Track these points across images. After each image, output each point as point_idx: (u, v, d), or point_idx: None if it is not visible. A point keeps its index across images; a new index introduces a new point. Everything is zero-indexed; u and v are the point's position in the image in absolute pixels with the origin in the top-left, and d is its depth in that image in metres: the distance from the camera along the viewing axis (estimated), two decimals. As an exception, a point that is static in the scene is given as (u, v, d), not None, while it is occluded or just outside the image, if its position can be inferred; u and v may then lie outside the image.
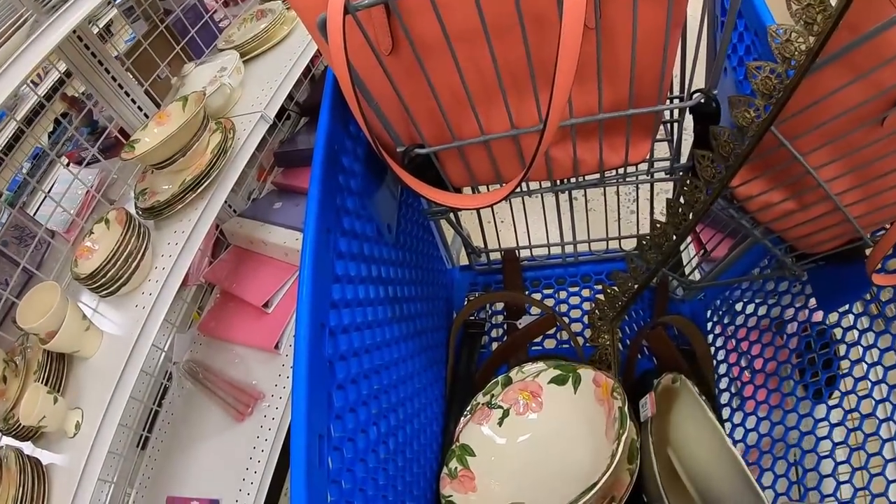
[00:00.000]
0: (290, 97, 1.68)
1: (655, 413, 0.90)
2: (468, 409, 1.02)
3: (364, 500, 0.70)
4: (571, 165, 0.84)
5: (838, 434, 0.82)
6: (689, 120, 0.84)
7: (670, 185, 1.03)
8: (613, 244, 1.26)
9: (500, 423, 0.99)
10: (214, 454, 1.72)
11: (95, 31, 1.70)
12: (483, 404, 1.00)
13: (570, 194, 1.02)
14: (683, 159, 0.92)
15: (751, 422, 0.98)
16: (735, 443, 0.96)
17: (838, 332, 0.89)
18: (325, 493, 0.62)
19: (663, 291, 1.21)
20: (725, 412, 1.04)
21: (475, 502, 0.93)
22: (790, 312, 0.99)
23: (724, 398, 1.06)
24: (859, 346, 0.85)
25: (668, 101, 0.82)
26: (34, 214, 1.93)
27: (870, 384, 0.81)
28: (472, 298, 1.29)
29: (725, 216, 0.90)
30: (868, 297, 0.86)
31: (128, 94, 1.73)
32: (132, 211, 1.42)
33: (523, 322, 1.19)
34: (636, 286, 1.03)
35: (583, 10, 0.52)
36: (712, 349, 1.14)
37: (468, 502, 0.92)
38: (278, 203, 2.01)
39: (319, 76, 2.41)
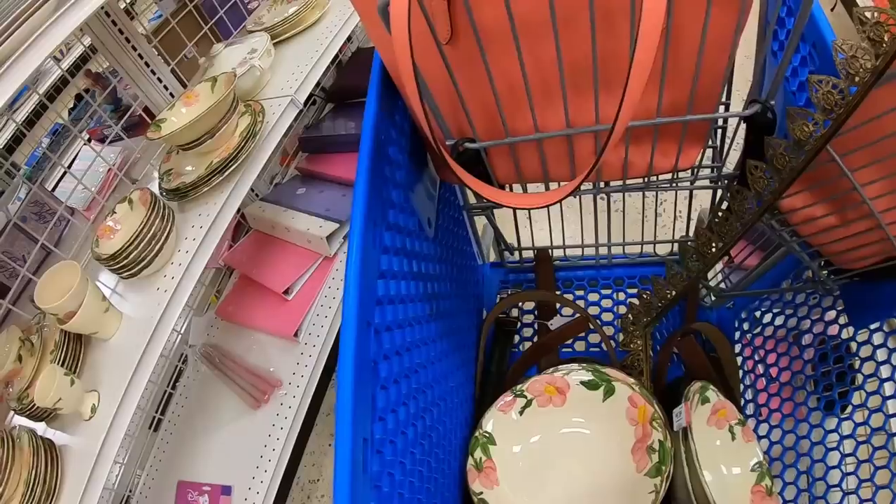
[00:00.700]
0: (315, 83, 1.66)
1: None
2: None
3: (402, 501, 0.69)
4: (621, 168, 0.83)
5: (848, 446, 0.84)
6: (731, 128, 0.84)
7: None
8: (648, 248, 1.25)
9: (521, 413, 0.99)
10: (228, 440, 1.72)
11: (122, 6, 1.68)
12: (509, 393, 1.00)
13: (608, 196, 1.01)
14: (727, 166, 0.92)
15: (763, 429, 1.00)
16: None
17: (854, 347, 0.90)
18: (368, 500, 0.60)
19: (694, 298, 1.19)
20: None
21: (501, 494, 0.94)
22: (808, 324, 0.99)
23: (748, 409, 1.07)
24: (873, 361, 0.86)
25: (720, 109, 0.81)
26: (52, 191, 1.92)
27: (881, 399, 0.82)
28: (503, 296, 1.28)
29: (765, 226, 0.89)
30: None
31: (154, 73, 1.71)
32: (155, 191, 1.41)
33: (555, 322, 1.18)
34: (674, 293, 1.02)
35: (662, 13, 0.51)
36: (739, 359, 1.14)
37: (497, 498, 0.94)
38: (302, 189, 2.00)
39: (346, 62, 2.40)
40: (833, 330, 0.95)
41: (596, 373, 0.97)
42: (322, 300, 1.81)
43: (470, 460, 0.96)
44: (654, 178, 0.89)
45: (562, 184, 0.72)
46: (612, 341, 1.13)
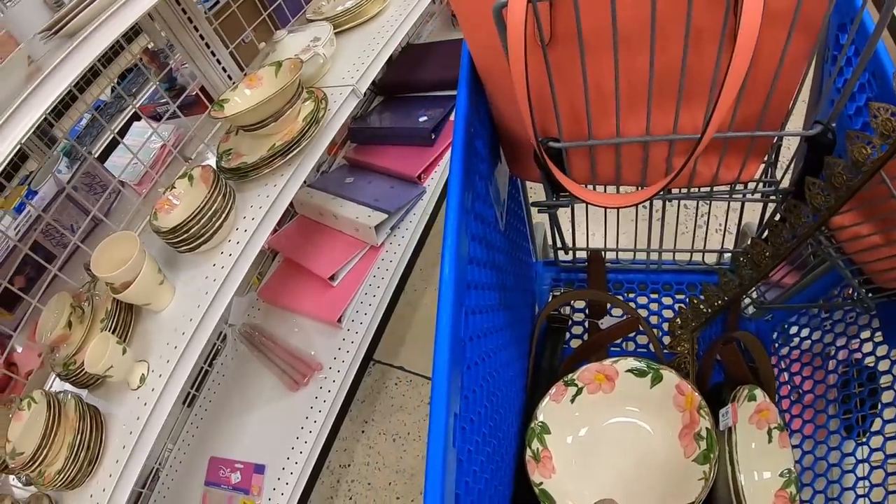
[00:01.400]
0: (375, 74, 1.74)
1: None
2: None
3: (474, 479, 0.74)
4: (689, 176, 0.89)
5: (863, 469, 0.87)
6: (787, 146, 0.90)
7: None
8: (696, 257, 1.30)
9: (572, 400, 1.06)
10: (264, 420, 1.79)
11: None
12: (561, 383, 1.06)
13: (664, 204, 1.08)
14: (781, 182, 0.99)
15: (796, 454, 1.01)
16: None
17: (881, 376, 0.92)
18: (454, 472, 0.65)
19: (736, 308, 1.25)
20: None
21: (558, 482, 1.00)
22: (837, 347, 1.02)
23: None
24: (892, 391, 0.88)
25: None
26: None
27: None
28: (556, 294, 1.35)
29: (814, 242, 0.94)
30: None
31: (213, 55, 1.79)
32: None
33: (605, 322, 1.25)
34: (724, 300, 1.09)
35: (756, 34, 0.58)
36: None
37: (554, 485, 1.00)
38: (350, 178, 2.08)
39: (397, 57, 2.48)
40: (859, 355, 0.98)
41: (643, 361, 1.04)
42: (366, 289, 1.88)
43: (528, 452, 1.02)
44: (715, 189, 0.96)
45: (628, 189, 0.79)
46: (660, 344, 1.20)
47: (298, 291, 1.94)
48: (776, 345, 1.21)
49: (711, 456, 0.96)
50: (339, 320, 1.81)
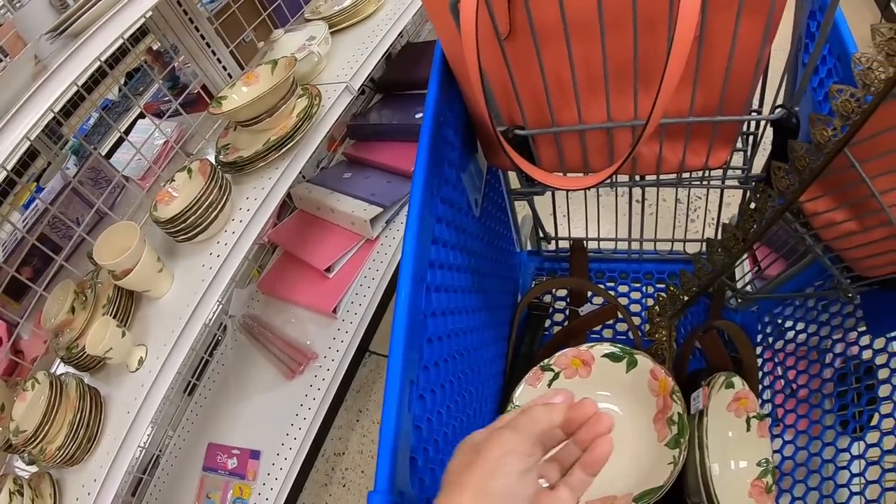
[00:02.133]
0: (369, 72, 1.77)
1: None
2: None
3: (436, 450, 0.78)
4: (655, 163, 0.92)
5: (858, 465, 0.88)
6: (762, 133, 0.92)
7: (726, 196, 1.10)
8: (677, 246, 1.34)
9: (549, 385, 1.09)
10: (260, 408, 1.83)
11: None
12: (538, 368, 1.09)
13: (643, 194, 1.11)
14: (755, 170, 1.01)
15: (776, 444, 1.04)
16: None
17: (878, 370, 0.94)
18: (409, 435, 0.70)
19: (719, 298, 1.28)
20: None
21: None
22: (834, 340, 1.04)
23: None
24: (889, 384, 0.90)
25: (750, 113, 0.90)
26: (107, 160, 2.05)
27: (895, 422, 0.86)
28: (538, 282, 1.38)
29: (790, 231, 0.97)
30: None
31: (214, 54, 1.83)
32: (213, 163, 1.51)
33: (585, 310, 1.28)
34: (699, 287, 1.11)
35: (695, 21, 0.61)
36: (759, 361, 1.20)
37: None
38: (348, 174, 2.12)
39: (396, 56, 2.52)
40: (856, 350, 0.99)
41: (618, 346, 1.07)
42: (361, 280, 1.92)
43: None
44: (686, 175, 0.98)
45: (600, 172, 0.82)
46: (638, 331, 1.23)
47: (296, 283, 1.98)
48: (770, 338, 1.23)
49: (682, 440, 0.98)
50: (335, 311, 1.85)
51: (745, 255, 1.31)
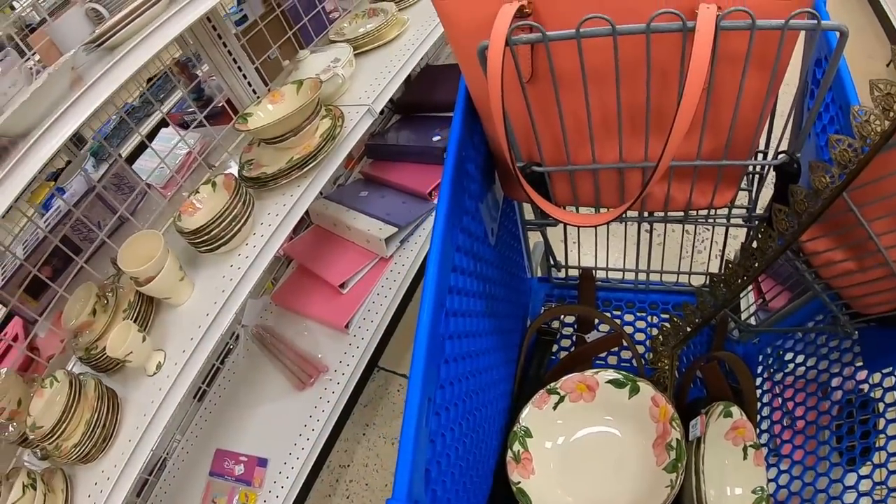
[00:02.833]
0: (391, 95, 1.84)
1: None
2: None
3: (448, 463, 0.84)
4: (663, 201, 0.99)
5: (850, 497, 0.91)
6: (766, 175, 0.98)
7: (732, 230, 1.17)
8: (683, 279, 1.40)
9: (554, 408, 1.14)
10: (269, 417, 1.89)
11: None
12: (544, 391, 1.15)
13: (651, 227, 1.17)
14: (758, 210, 1.07)
15: (784, 479, 1.06)
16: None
17: (881, 407, 0.96)
18: (425, 449, 0.75)
19: (722, 329, 1.33)
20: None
21: (536, 484, 1.08)
22: (833, 374, 1.07)
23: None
24: (883, 419, 0.93)
25: (755, 157, 0.96)
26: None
27: (887, 455, 0.88)
28: (547, 308, 1.44)
29: (791, 268, 1.02)
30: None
31: (240, 69, 1.91)
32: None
33: (591, 337, 1.33)
34: (701, 319, 1.17)
35: (704, 76, 0.67)
36: (758, 392, 1.24)
37: (532, 486, 1.08)
38: (364, 192, 2.19)
39: (415, 78, 2.59)
40: (852, 384, 1.03)
41: (621, 373, 1.13)
42: (374, 297, 1.98)
43: (509, 453, 1.11)
44: (692, 213, 1.05)
45: (611, 210, 0.88)
46: (641, 359, 1.29)
47: (310, 297, 2.05)
48: (771, 369, 1.26)
49: (679, 465, 1.03)
50: (347, 326, 1.91)
51: (750, 288, 1.36)
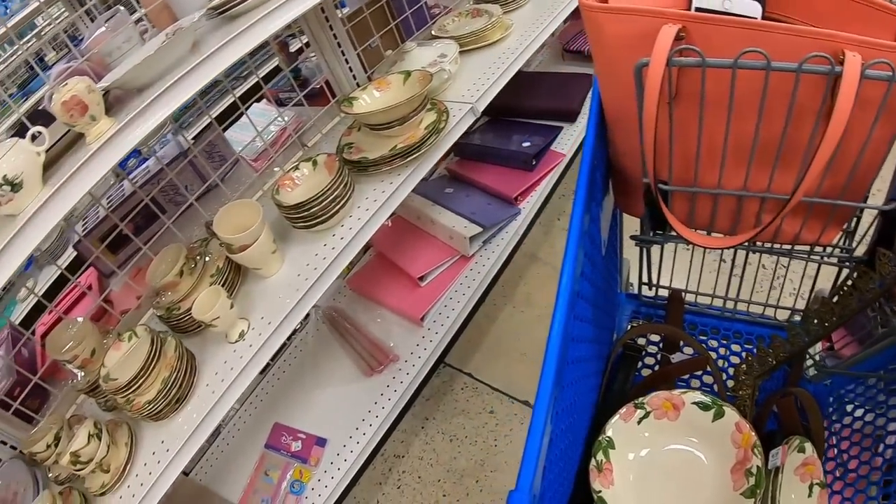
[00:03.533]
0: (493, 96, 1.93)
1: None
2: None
3: (549, 462, 0.89)
4: (774, 232, 1.07)
5: None
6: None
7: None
8: (768, 311, 1.47)
9: (639, 422, 1.21)
10: (334, 398, 1.98)
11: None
12: (631, 404, 1.22)
13: (747, 256, 1.26)
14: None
15: None
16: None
17: None
18: (546, 446, 0.82)
19: (799, 365, 1.38)
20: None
21: (615, 494, 1.15)
22: (888, 432, 1.10)
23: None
24: None
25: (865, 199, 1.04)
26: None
27: None
28: (635, 325, 1.53)
29: (881, 312, 1.09)
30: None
31: (343, 54, 2.02)
32: (336, 158, 1.65)
33: (676, 358, 1.41)
34: (789, 353, 1.25)
35: (847, 118, 0.76)
36: None
37: (611, 496, 1.15)
38: (450, 189, 2.29)
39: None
40: None
41: (708, 396, 1.20)
42: (451, 294, 2.07)
43: (592, 461, 1.17)
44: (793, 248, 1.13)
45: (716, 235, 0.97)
46: (724, 386, 1.35)
47: (387, 286, 2.15)
48: (833, 417, 1.30)
49: (758, 492, 1.09)
50: (422, 319, 2.01)
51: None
